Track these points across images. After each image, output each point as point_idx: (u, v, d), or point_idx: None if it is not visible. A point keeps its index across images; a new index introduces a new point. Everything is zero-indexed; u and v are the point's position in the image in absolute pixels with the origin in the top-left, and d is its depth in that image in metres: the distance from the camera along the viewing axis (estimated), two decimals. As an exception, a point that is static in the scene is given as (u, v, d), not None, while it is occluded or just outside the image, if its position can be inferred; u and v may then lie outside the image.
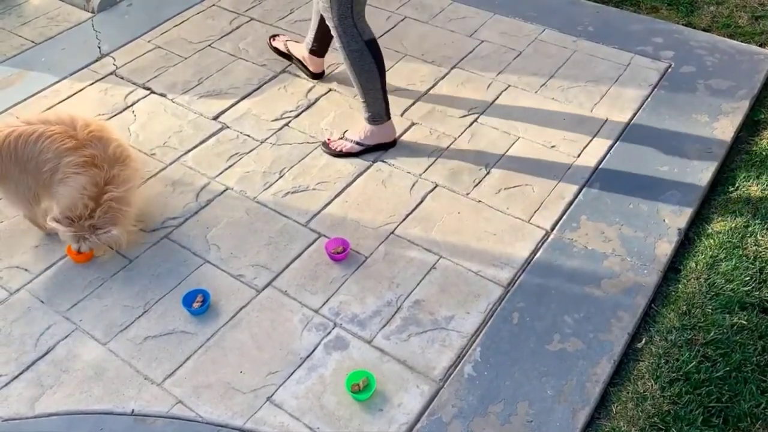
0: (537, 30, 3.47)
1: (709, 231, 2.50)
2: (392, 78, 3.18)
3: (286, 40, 3.25)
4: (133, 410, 2.02)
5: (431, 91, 3.12)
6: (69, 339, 2.20)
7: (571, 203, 2.59)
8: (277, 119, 3.00)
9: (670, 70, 3.20)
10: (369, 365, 2.10)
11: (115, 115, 3.04)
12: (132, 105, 3.10)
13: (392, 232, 2.50)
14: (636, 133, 2.88)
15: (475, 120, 2.96)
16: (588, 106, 3.01)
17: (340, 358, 2.13)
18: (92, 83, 3.22)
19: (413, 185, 2.68)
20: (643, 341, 2.18)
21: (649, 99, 3.04)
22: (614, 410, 2.02)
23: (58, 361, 2.15)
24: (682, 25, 3.52)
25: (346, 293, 2.31)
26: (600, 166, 2.73)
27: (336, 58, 3.30)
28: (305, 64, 3.16)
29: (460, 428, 1.96)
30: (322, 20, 2.91)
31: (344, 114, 3.01)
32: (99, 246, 2.36)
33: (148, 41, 3.47)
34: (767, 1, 3.68)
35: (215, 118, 3.02)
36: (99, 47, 3.43)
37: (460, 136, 2.88)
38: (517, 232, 2.49)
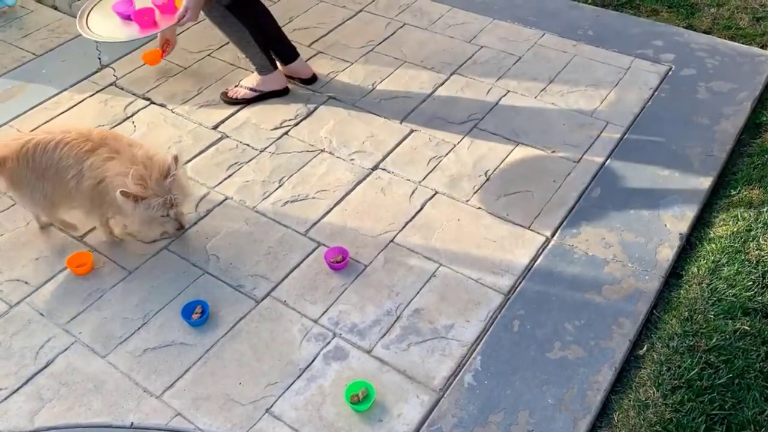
0: (536, 35, 3.46)
1: (711, 235, 2.48)
2: (391, 84, 3.18)
3: (237, 87, 3.18)
4: (132, 423, 2.02)
5: (430, 98, 3.11)
6: (68, 352, 2.20)
7: (571, 209, 2.57)
8: (276, 128, 3.00)
9: (670, 73, 3.18)
10: (368, 375, 2.09)
11: (116, 125, 3.05)
12: (132, 115, 3.10)
13: (392, 240, 2.49)
14: (637, 137, 2.86)
15: (475, 126, 2.95)
16: (588, 111, 3.00)
17: (340, 368, 2.12)
18: (92, 94, 3.23)
19: (413, 192, 2.67)
20: (645, 348, 2.17)
21: (649, 102, 3.03)
22: (616, 418, 2.00)
23: (57, 374, 2.15)
24: (683, 27, 3.51)
25: (346, 303, 2.30)
26: (600, 171, 2.71)
27: (333, 67, 3.31)
28: (291, 76, 3.22)
29: (460, 438, 1.95)
30: (257, 37, 2.99)
31: (343, 122, 3.00)
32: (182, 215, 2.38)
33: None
34: (768, 2, 3.66)
35: (215, 127, 3.02)
36: (99, 58, 3.44)
37: (459, 142, 2.88)
38: (518, 239, 2.47)
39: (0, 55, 3.52)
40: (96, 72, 3.36)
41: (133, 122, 3.07)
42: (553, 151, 2.81)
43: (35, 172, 2.31)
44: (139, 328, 2.26)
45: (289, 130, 2.99)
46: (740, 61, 3.22)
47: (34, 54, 3.52)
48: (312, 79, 3.21)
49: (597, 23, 3.52)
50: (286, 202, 2.66)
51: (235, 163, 2.84)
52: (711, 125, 2.89)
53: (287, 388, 2.08)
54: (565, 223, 2.52)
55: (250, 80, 3.14)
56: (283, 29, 3.19)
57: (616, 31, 3.46)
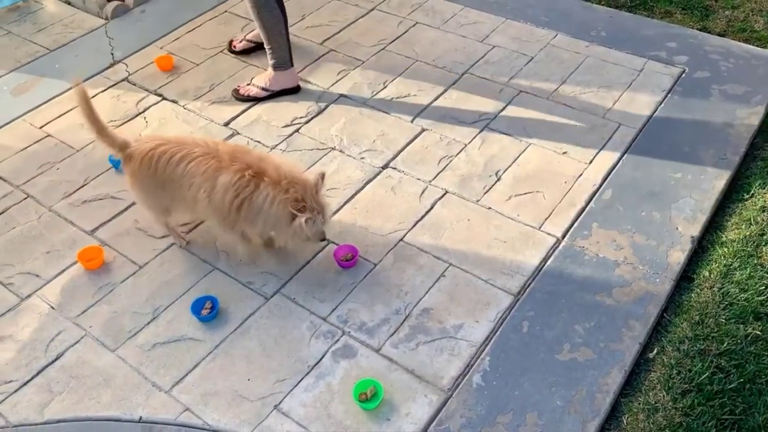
0: (549, 35, 3.45)
1: (723, 239, 2.47)
2: (403, 83, 3.18)
3: (249, 85, 3.18)
4: (140, 417, 2.02)
5: (442, 97, 3.10)
6: (78, 345, 2.21)
7: (582, 210, 2.56)
8: (287, 125, 3.00)
9: (683, 75, 3.16)
10: (377, 374, 2.09)
11: (127, 121, 3.06)
12: (144, 111, 3.11)
13: (401, 239, 2.49)
14: (649, 139, 2.85)
15: (486, 126, 2.94)
16: (600, 112, 2.98)
17: (348, 366, 2.12)
18: (105, 89, 3.24)
19: (423, 192, 2.67)
20: (655, 351, 2.15)
21: (662, 105, 3.01)
22: (625, 422, 1.99)
23: (67, 367, 2.16)
24: (697, 29, 3.48)
25: (355, 301, 2.30)
26: (612, 173, 2.70)
27: (346, 65, 3.31)
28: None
29: (468, 438, 1.94)
30: (287, 30, 3.01)
31: (354, 120, 3.00)
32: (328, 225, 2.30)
33: (161, 47, 3.49)
34: (784, 5, 3.63)
35: (226, 124, 3.03)
36: (112, 54, 3.46)
37: (470, 142, 2.87)
38: (528, 240, 2.46)
39: (14, 50, 3.54)
40: (108, 67, 3.37)
41: (144, 118, 3.08)
42: (564, 152, 2.80)
43: (155, 180, 2.27)
44: (148, 323, 2.27)
45: (300, 128, 2.99)
46: (755, 64, 3.20)
47: (47, 49, 3.54)
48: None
49: (610, 24, 3.51)
50: (297, 199, 2.66)
51: (246, 160, 2.84)
52: (724, 128, 2.87)
53: (296, 385, 2.08)
54: (575, 225, 2.51)
55: (262, 78, 3.14)
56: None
57: (630, 32, 3.44)
